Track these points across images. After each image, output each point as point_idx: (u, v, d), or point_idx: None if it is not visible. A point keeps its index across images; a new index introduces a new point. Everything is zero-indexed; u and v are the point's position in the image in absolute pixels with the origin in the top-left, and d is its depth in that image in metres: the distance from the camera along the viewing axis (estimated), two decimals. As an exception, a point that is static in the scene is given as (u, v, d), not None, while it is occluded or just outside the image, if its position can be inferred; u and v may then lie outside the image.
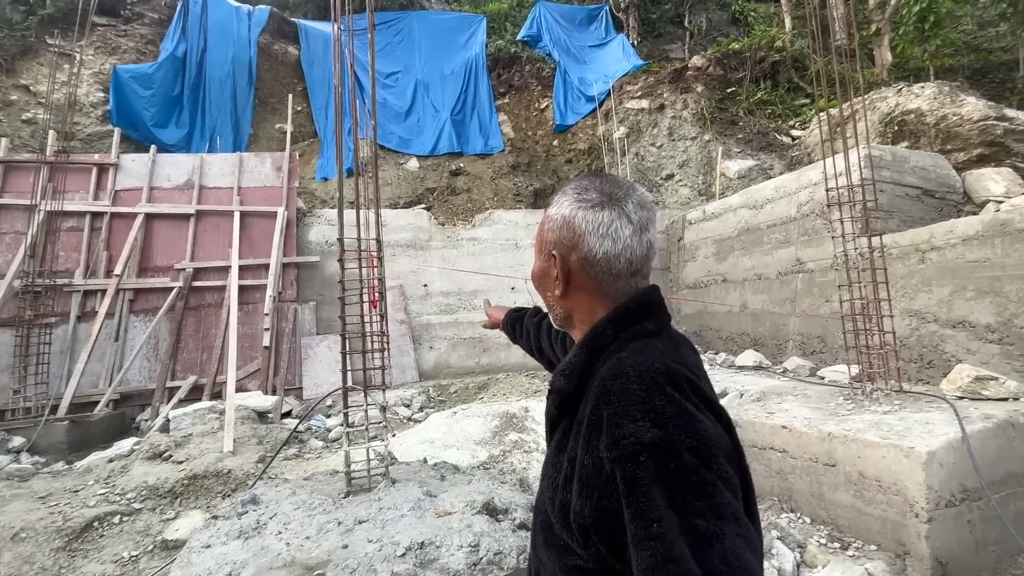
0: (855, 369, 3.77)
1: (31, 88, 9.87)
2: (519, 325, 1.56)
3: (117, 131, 7.33)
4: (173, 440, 4.14)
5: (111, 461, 4.07)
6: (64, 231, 6.30)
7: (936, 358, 4.04)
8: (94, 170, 6.73)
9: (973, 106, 5.25)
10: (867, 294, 3.71)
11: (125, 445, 4.47)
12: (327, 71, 11.87)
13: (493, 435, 3.82)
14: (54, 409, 5.33)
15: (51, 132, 6.60)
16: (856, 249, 3.79)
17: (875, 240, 3.74)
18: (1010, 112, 5.25)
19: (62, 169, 6.36)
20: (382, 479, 2.73)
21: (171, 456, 3.94)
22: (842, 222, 3.82)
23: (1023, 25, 10.96)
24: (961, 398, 3.27)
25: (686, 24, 15.26)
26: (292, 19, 12.84)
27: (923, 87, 5.79)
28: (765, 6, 16.44)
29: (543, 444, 3.75)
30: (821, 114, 4.70)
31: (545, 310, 1.39)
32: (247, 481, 3.63)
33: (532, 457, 3.57)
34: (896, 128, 5.86)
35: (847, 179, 3.78)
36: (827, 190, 3.89)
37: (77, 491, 3.62)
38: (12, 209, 6.29)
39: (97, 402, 5.69)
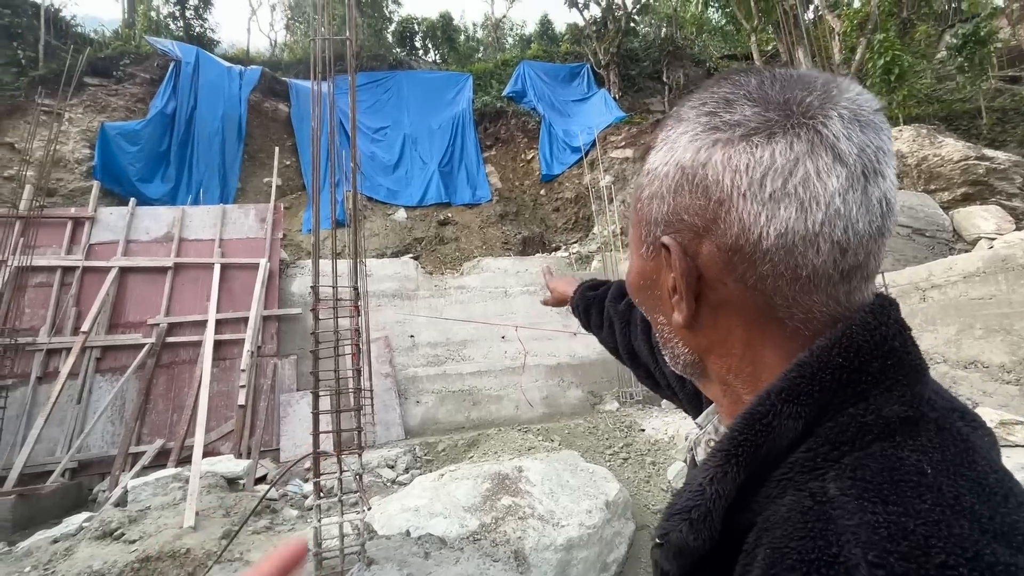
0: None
1: (16, 146, 9.84)
2: (596, 310, 1.04)
3: (96, 184, 7.20)
4: (128, 515, 3.71)
5: (55, 542, 3.62)
6: (32, 287, 6.02)
7: (950, 401, 3.85)
8: (69, 224, 6.53)
9: (952, 147, 5.33)
10: (873, 335, 3.55)
11: (74, 522, 4.00)
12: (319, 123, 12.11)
13: (484, 500, 3.47)
14: (1, 481, 4.85)
15: (27, 187, 6.45)
16: (857, 288, 3.67)
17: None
18: (989, 152, 5.34)
19: (36, 224, 6.16)
20: (357, 559, 2.39)
21: (123, 535, 3.51)
22: (840, 261, 3.72)
23: (980, 77, 11.59)
24: (986, 445, 3.05)
25: (664, 79, 15.99)
26: (283, 78, 13.18)
27: (901, 130, 5.92)
28: (738, 63, 17.38)
29: (539, 509, 3.42)
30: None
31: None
32: (207, 562, 3.22)
33: (527, 524, 3.22)
34: (878, 170, 5.93)
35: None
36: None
37: (10, 580, 3.18)
38: (-22, 266, 6.02)
39: (52, 472, 5.21)
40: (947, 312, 3.91)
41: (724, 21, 20.23)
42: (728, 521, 0.37)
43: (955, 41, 11.39)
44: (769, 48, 14.66)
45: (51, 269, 6.22)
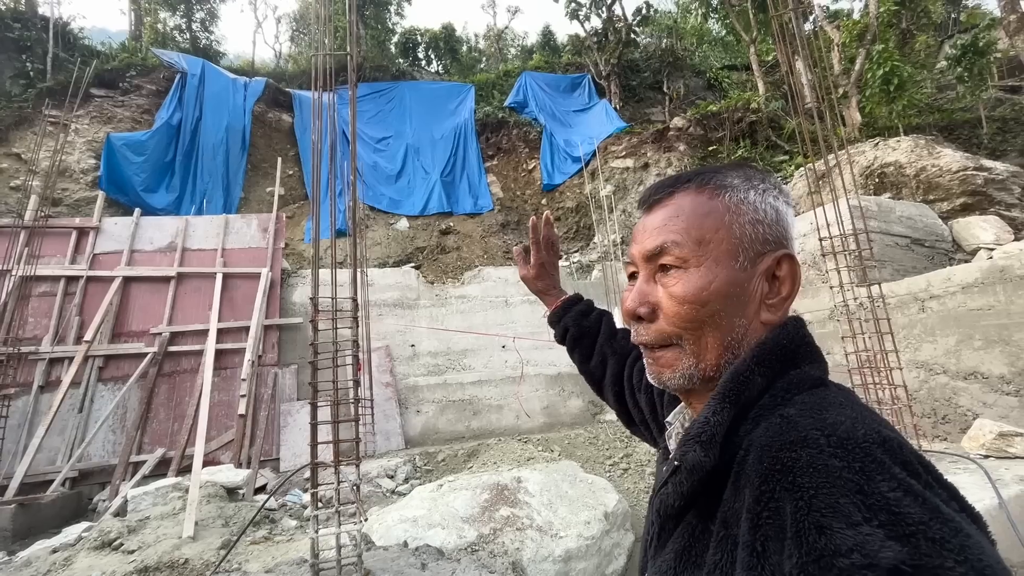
0: (868, 426, 3.54)
1: (22, 156, 9.96)
2: (588, 341, 1.09)
3: (101, 195, 7.28)
4: (127, 525, 3.71)
5: (54, 552, 3.61)
6: (35, 296, 6.06)
7: (951, 412, 3.82)
8: (74, 234, 6.59)
9: (951, 157, 5.35)
10: (871, 345, 3.55)
11: (73, 532, 4.01)
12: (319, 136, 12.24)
13: (482, 511, 3.46)
14: (2, 490, 4.86)
15: (33, 197, 6.52)
16: (855, 299, 3.67)
17: (874, 289, 3.63)
18: (987, 162, 5.36)
19: (41, 234, 6.22)
20: (354, 570, 2.39)
21: (122, 545, 3.51)
22: (838, 272, 3.72)
23: (980, 87, 11.64)
24: (986, 457, 3.04)
25: (665, 89, 16.10)
26: (287, 89, 13.32)
27: (899, 141, 5.95)
28: (738, 73, 17.49)
29: (538, 520, 3.41)
30: (804, 168, 4.74)
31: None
32: (204, 572, 3.21)
33: (525, 536, 3.21)
34: (877, 180, 5.95)
35: (839, 228, 3.73)
36: (820, 240, 3.82)
37: (8, 591, 3.18)
38: (-17, 275, 6.07)
39: (52, 481, 5.22)
40: (946, 323, 3.91)
41: (724, 32, 20.39)
42: (723, 449, 0.52)
43: (954, 52, 11.45)
44: (769, 59, 14.74)
45: (55, 279, 6.27)
